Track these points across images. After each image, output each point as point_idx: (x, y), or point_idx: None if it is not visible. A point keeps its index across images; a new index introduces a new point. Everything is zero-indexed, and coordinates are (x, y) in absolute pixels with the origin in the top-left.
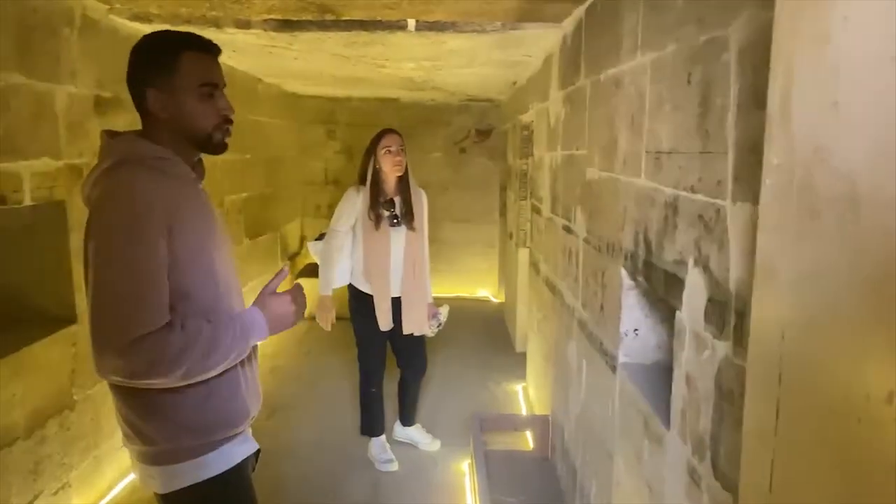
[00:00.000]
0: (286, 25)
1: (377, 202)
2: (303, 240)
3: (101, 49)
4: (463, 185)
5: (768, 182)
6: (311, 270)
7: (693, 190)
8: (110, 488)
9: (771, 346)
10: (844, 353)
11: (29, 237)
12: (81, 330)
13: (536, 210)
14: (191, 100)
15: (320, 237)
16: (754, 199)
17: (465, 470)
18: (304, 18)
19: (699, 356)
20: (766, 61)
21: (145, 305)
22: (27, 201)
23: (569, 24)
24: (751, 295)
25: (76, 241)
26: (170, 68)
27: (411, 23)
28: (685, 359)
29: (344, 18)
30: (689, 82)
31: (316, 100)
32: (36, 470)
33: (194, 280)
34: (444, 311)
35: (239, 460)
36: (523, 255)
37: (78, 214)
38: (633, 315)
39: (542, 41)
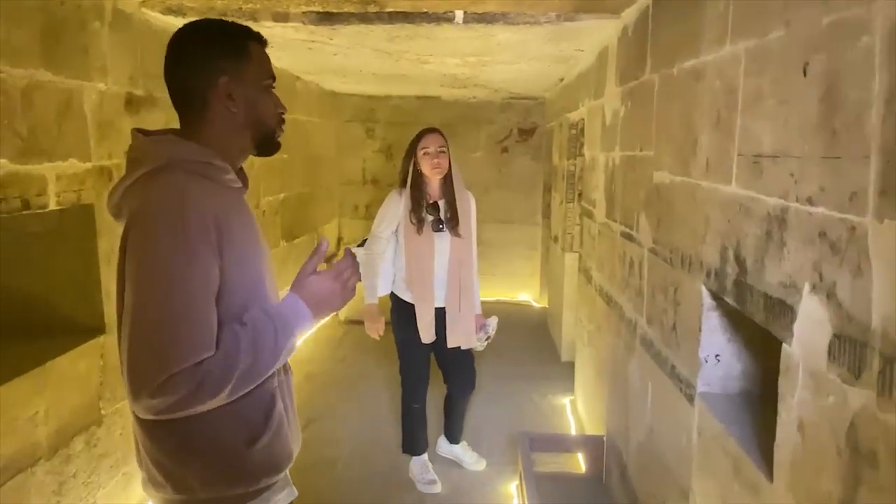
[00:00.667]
0: (326, 18)
1: (418, 206)
2: (340, 241)
3: (133, 44)
4: (505, 185)
5: None
6: None
7: (811, 202)
8: None
9: None
10: None
11: (55, 243)
12: (110, 340)
13: (587, 214)
14: (261, 93)
15: (362, 243)
16: None
17: (513, 492)
18: (345, 10)
19: (819, 401)
20: None
21: (191, 336)
22: (52, 205)
23: (630, 14)
24: None
25: (105, 246)
26: (245, 56)
27: (459, 14)
28: (798, 401)
29: (388, 10)
30: (804, 73)
31: (355, 98)
32: (60, 491)
33: (244, 303)
34: (492, 323)
35: None
36: (570, 259)
37: (108, 218)
38: (715, 339)
39: (597, 34)
